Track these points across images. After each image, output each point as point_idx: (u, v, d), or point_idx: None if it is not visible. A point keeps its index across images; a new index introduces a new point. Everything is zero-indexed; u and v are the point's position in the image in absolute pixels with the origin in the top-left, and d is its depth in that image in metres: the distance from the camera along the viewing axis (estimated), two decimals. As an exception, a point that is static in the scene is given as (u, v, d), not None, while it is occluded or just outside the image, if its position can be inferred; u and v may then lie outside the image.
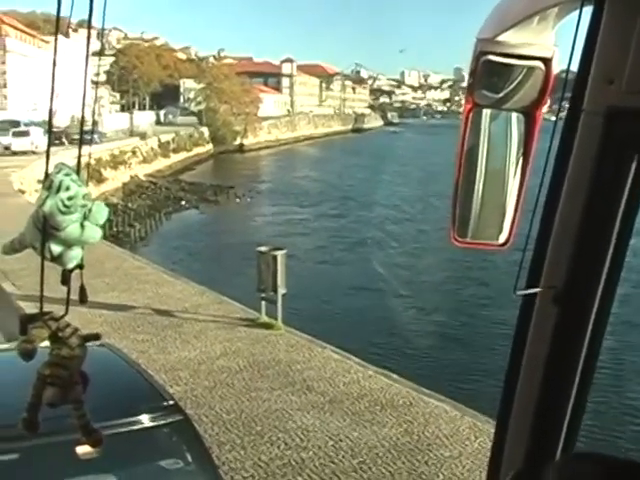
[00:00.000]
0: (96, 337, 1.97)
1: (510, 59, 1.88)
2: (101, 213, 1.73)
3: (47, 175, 1.69)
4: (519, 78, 1.91)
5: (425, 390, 13.33)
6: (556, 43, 1.90)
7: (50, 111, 1.90)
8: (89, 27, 1.67)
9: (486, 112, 2.04)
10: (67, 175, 1.68)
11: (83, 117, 1.89)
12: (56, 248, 1.71)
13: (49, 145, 1.82)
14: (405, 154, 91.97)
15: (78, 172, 1.72)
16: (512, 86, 1.94)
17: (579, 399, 1.98)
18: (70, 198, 1.66)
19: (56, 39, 1.76)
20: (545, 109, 1.96)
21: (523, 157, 2.01)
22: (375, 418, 11.91)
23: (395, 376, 14.07)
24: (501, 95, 1.96)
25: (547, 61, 1.87)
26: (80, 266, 1.79)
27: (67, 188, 1.66)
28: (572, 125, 1.81)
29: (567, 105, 1.84)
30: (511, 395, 2.06)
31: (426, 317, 25.73)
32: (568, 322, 1.91)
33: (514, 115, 2.00)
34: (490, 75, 1.92)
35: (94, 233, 1.73)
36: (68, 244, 1.72)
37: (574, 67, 1.79)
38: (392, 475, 10.09)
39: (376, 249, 38.84)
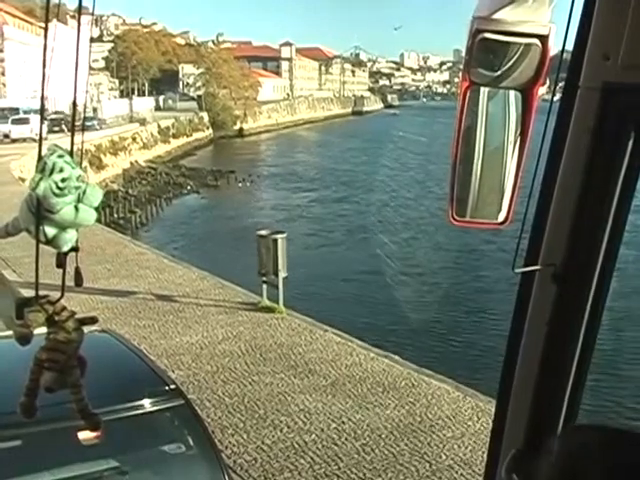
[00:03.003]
0: (93, 320, 1.96)
1: (506, 37, 1.86)
2: (95, 195, 1.72)
3: (40, 158, 1.68)
4: (516, 56, 1.90)
5: (427, 371, 13.36)
6: (552, 20, 1.89)
7: (42, 97, 1.88)
8: (79, 12, 1.65)
9: (483, 90, 2.02)
10: (60, 157, 1.66)
11: (75, 102, 1.87)
12: (50, 231, 1.69)
13: (41, 128, 1.80)
14: (406, 137, 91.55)
15: (72, 154, 1.70)
16: (509, 64, 1.92)
17: (578, 377, 1.98)
18: (64, 180, 1.64)
19: (46, 27, 1.75)
20: (544, 89, 1.95)
21: (521, 135, 2.00)
22: (377, 400, 11.94)
23: (397, 358, 14.09)
24: (498, 73, 1.94)
25: (544, 38, 1.86)
26: (75, 249, 1.78)
27: (60, 170, 1.64)
28: (569, 101, 1.81)
29: (563, 82, 1.84)
30: (511, 373, 2.06)
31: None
32: (567, 299, 1.91)
33: (511, 93, 1.99)
34: (486, 53, 1.90)
35: (88, 215, 1.71)
36: (62, 227, 1.70)
37: (570, 44, 1.78)
38: (395, 456, 10.12)
39: (374, 234, 38.52)
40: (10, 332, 7.98)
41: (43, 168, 1.65)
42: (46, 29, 1.74)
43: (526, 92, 1.94)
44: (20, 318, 1.79)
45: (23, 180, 39.94)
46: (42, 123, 2.09)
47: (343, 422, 11.10)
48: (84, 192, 1.69)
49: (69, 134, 1.76)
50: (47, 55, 1.71)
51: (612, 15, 1.69)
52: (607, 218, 1.82)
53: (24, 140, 57.74)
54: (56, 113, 64.19)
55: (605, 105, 1.73)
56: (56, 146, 1.69)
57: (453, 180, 2.03)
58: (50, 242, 1.72)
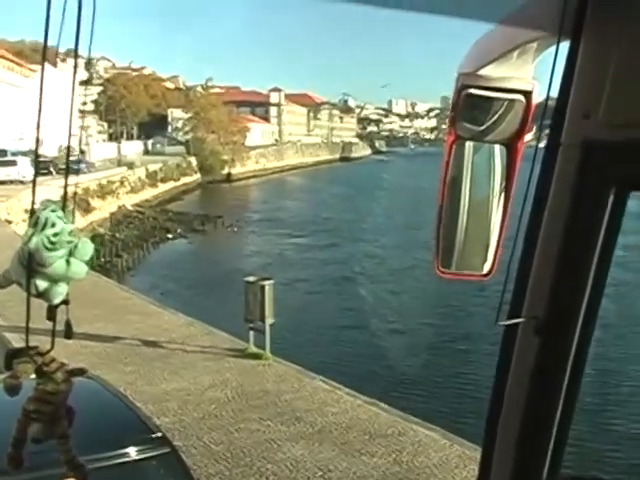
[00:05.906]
0: (82, 372, 1.97)
1: (491, 92, 1.91)
2: (87, 249, 1.74)
3: (33, 212, 1.70)
4: (500, 111, 1.94)
5: (414, 419, 13.30)
6: (535, 76, 1.94)
7: (37, 142, 1.90)
8: (75, 56, 1.68)
9: (469, 144, 2.07)
10: (53, 212, 1.69)
11: (69, 152, 1.90)
12: (42, 284, 1.71)
13: (35, 180, 1.83)
14: (394, 184, 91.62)
15: (64, 208, 1.73)
16: (493, 119, 1.97)
17: (562, 428, 1.99)
18: (56, 235, 1.67)
19: (43, 68, 1.78)
20: (530, 136, 1.99)
21: (505, 188, 2.04)
22: (364, 448, 11.86)
23: (384, 405, 14.03)
24: (483, 128, 1.99)
25: (527, 94, 1.91)
26: (66, 302, 1.80)
27: (53, 225, 1.67)
28: (551, 157, 1.84)
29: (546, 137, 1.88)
30: (495, 424, 2.07)
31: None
32: (550, 352, 1.92)
33: (496, 147, 2.03)
34: (472, 108, 1.95)
35: (80, 269, 1.74)
36: (54, 280, 1.72)
37: (553, 100, 1.83)
38: (382, 505, 10.05)
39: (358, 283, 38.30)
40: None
41: (36, 222, 1.67)
42: (42, 74, 1.76)
43: (510, 146, 1.99)
44: (9, 369, 1.79)
45: (10, 222, 39.82)
46: (36, 174, 2.11)
47: (330, 470, 11.02)
48: (76, 246, 1.71)
49: (56, 176, 1.78)
50: (40, 101, 1.73)
51: (593, 73, 1.73)
52: (589, 271, 1.85)
53: (11, 182, 57.62)
54: (44, 156, 64.24)
55: (586, 162, 1.77)
56: (49, 201, 1.71)
57: (438, 232, 2.07)
58: (41, 295, 1.74)
